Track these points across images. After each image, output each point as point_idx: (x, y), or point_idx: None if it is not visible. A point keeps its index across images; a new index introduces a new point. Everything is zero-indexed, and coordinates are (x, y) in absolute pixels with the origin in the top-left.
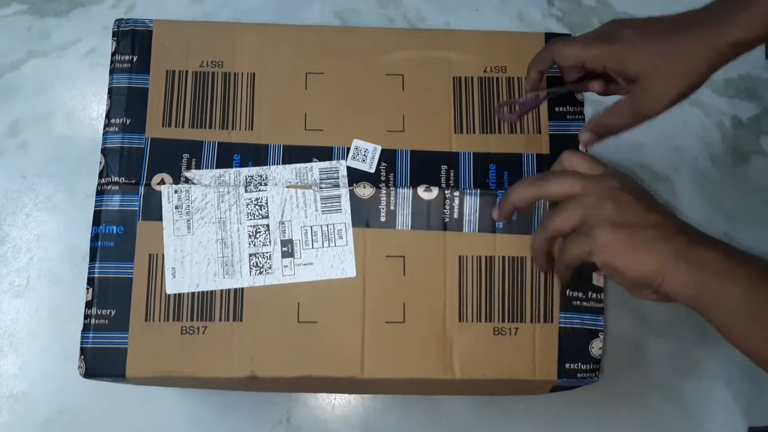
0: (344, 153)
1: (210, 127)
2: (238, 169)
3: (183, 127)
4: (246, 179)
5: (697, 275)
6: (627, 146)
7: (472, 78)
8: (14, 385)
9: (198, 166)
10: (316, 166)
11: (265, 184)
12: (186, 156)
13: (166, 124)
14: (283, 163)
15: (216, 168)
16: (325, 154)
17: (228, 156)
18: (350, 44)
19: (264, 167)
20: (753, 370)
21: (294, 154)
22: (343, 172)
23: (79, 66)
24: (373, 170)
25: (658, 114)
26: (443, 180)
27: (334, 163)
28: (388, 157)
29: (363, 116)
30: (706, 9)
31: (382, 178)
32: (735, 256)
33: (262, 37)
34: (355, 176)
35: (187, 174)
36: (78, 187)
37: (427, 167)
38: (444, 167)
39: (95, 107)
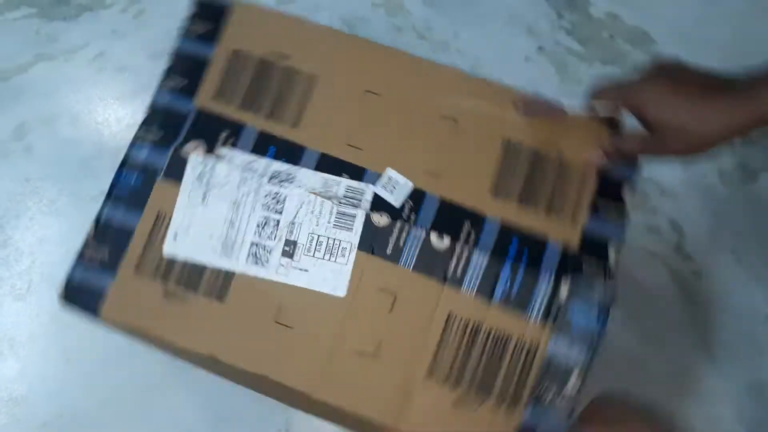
0: (375, 178)
1: (257, 113)
2: (269, 160)
3: (231, 105)
4: (273, 172)
5: None
6: None
7: (522, 145)
8: (13, 388)
9: (233, 146)
10: (345, 182)
11: (290, 182)
12: (225, 133)
13: (217, 97)
14: (315, 168)
15: (250, 153)
16: (356, 173)
17: (264, 145)
18: (415, 74)
19: (295, 167)
20: (758, 389)
21: (327, 164)
22: (368, 196)
23: (86, 70)
24: (398, 205)
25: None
26: (462, 235)
27: (362, 185)
28: (417, 196)
29: (405, 149)
30: (745, 79)
31: (404, 216)
32: None
33: (335, 43)
34: (378, 205)
35: (221, 150)
36: (82, 191)
37: (451, 219)
38: (467, 223)
39: (101, 111)
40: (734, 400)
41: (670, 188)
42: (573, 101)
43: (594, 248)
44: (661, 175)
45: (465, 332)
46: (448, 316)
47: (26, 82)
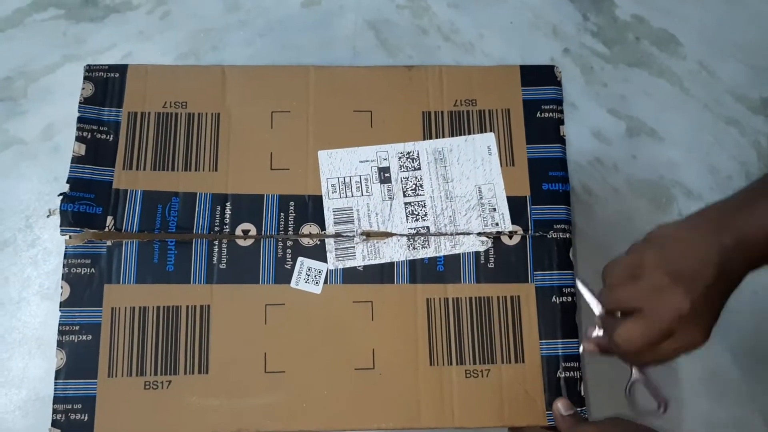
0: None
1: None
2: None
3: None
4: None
5: None
6: (661, 164)
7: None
8: (40, 388)
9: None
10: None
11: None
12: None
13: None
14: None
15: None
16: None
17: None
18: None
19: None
20: None
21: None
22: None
23: None
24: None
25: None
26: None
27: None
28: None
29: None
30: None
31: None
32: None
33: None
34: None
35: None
36: None
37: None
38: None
39: None
40: (761, 405)
41: (697, 191)
42: (597, 103)
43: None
44: (687, 178)
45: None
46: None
47: (54, 83)
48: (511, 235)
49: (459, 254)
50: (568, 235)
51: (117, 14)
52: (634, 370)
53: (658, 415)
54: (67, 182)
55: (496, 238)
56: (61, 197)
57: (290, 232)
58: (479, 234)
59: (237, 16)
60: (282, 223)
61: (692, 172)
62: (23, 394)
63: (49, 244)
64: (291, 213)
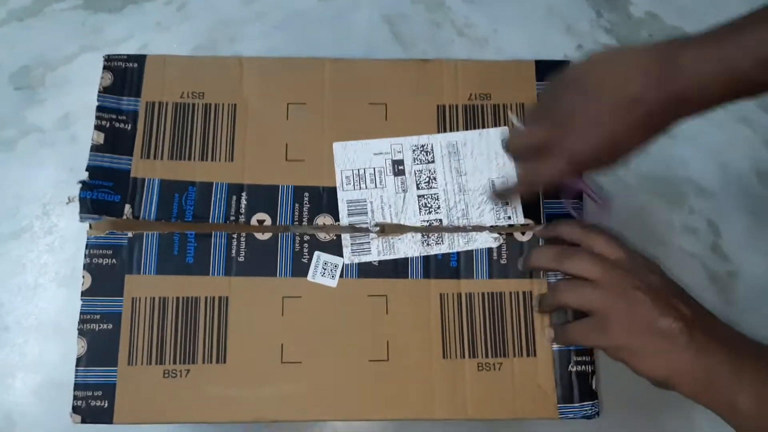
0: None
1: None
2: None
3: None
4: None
5: (707, 385)
6: (673, 161)
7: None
8: (55, 374)
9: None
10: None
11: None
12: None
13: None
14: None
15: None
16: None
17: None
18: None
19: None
20: None
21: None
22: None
23: None
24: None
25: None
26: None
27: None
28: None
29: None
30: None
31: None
32: (744, 359)
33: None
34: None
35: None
36: None
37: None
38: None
39: None
40: None
41: (708, 188)
42: None
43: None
44: (698, 175)
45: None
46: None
47: (71, 72)
48: (523, 231)
49: (472, 250)
50: None
51: (134, 5)
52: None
53: (607, 213)
54: (87, 170)
55: (508, 234)
56: (80, 185)
57: (305, 223)
58: (492, 228)
59: (254, 8)
60: (297, 213)
61: (703, 169)
62: (39, 378)
63: (66, 232)
64: (305, 204)
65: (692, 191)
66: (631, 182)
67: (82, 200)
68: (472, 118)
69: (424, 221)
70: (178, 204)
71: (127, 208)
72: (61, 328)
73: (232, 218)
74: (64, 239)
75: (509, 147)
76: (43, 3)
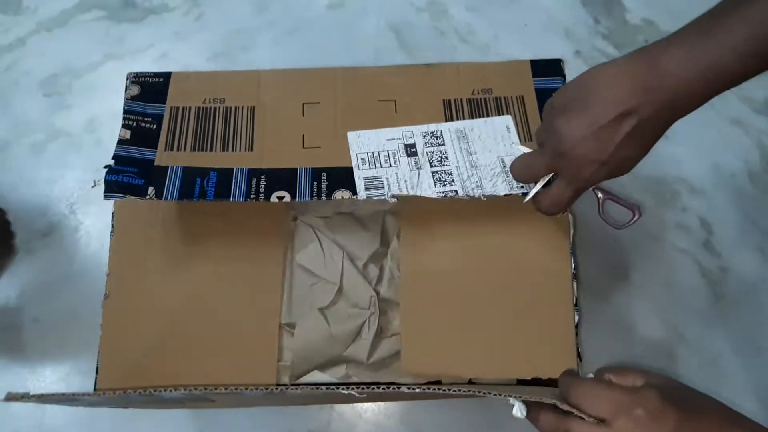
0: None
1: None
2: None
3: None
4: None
5: None
6: (665, 161)
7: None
8: (82, 361)
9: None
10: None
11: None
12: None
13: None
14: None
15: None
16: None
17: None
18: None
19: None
20: None
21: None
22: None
23: (151, 69)
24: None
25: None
26: None
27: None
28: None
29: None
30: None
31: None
32: None
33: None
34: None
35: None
36: None
37: None
38: None
39: None
40: (759, 393)
41: (700, 188)
42: None
43: None
44: (691, 175)
45: None
46: None
47: (97, 79)
48: None
49: None
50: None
51: (155, 16)
52: (598, 193)
53: (636, 221)
54: (113, 158)
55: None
56: (105, 169)
57: (323, 198)
58: (506, 196)
59: (266, 17)
60: (315, 190)
61: (696, 169)
62: (66, 368)
63: (91, 229)
64: (324, 182)
65: (685, 190)
66: (625, 180)
67: (107, 182)
68: (477, 110)
69: (440, 192)
70: (200, 186)
71: (150, 189)
72: (85, 320)
73: (252, 196)
74: (89, 236)
75: (516, 178)
76: (70, 14)
